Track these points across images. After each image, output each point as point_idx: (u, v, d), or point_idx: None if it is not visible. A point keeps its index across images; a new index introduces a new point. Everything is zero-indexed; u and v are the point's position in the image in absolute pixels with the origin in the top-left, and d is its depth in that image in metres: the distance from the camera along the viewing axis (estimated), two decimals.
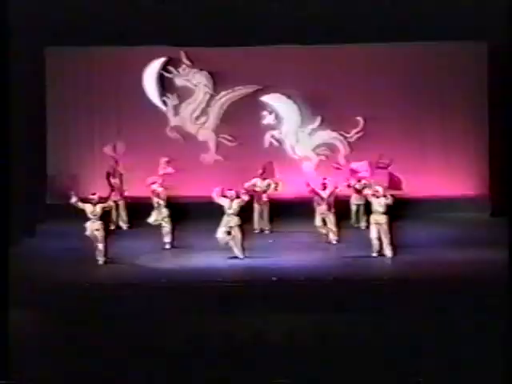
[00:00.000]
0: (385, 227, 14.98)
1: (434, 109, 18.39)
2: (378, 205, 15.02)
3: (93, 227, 15.02)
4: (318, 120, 18.57)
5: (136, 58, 18.34)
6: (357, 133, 18.46)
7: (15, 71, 16.83)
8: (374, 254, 15.14)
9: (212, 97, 18.65)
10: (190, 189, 17.54)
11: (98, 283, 14.14)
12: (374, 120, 18.29)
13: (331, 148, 18.68)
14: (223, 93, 18.60)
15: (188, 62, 18.50)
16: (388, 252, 15.06)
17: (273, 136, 18.75)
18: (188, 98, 18.69)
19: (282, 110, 18.69)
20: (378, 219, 15.01)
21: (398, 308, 12.73)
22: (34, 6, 16.80)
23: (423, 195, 17.67)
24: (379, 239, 15.13)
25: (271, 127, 18.74)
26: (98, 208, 15.06)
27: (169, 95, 18.63)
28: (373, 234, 15.08)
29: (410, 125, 18.50)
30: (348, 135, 18.53)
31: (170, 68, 18.54)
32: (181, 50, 18.41)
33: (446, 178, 18.03)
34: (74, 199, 15.03)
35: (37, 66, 17.97)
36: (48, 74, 18.21)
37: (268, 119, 18.67)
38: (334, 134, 18.62)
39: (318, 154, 18.71)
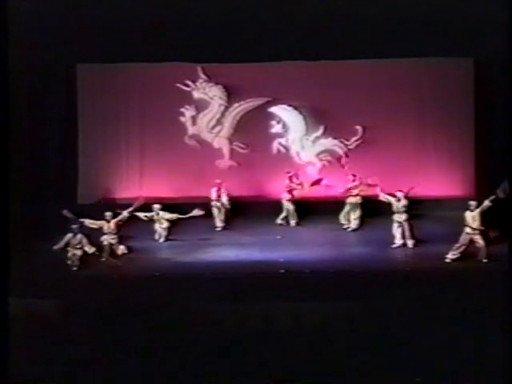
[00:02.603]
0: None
1: (426, 118, 19.05)
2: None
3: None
4: (321, 129, 19.24)
5: (158, 73, 18.82)
6: (356, 140, 19.16)
7: (50, 85, 18.35)
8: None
9: (226, 108, 19.25)
10: (207, 191, 18.26)
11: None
12: (371, 129, 18.98)
13: (333, 154, 19.30)
14: (236, 104, 19.24)
15: (205, 77, 19.11)
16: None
17: (280, 143, 19.36)
18: (205, 110, 19.27)
19: (288, 120, 19.28)
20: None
21: (394, 298, 13.26)
22: (67, 25, 17.63)
23: (415, 195, 17.29)
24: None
25: (279, 135, 19.37)
26: None
27: (187, 107, 19.24)
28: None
29: (404, 133, 19.10)
30: (348, 142, 19.19)
31: (189, 82, 19.15)
32: (198, 66, 19.01)
33: (436, 180, 18.62)
34: None
35: (70, 81, 18.82)
36: (79, 88, 18.91)
37: (276, 128, 19.30)
38: (336, 142, 19.25)
39: (320, 160, 19.35)
